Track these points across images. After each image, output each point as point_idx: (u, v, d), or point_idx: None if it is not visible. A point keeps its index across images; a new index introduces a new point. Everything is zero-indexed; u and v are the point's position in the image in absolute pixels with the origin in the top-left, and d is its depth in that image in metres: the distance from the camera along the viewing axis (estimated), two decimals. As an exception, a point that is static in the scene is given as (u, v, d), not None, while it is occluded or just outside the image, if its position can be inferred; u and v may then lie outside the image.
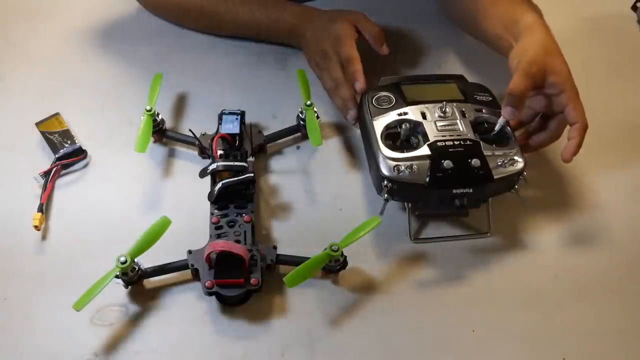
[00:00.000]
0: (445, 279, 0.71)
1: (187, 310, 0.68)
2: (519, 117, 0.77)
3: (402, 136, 0.73)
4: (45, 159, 0.79)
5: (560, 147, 0.73)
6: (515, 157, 0.71)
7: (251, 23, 0.90)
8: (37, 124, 0.81)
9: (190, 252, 0.69)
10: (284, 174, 0.80)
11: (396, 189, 0.69)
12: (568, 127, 0.74)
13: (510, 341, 0.67)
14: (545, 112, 0.76)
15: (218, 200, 0.72)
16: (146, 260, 0.68)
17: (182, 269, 0.69)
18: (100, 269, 0.65)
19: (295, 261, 0.68)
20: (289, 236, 0.74)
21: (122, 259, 0.64)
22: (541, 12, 0.81)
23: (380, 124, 0.74)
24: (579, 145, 0.71)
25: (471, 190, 0.69)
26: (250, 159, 0.75)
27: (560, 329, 0.68)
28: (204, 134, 0.79)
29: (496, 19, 0.81)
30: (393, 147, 0.72)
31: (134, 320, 0.67)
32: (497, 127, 0.73)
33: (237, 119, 0.79)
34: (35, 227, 0.72)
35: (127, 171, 0.79)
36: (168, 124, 0.82)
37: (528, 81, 0.71)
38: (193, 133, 0.77)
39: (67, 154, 0.78)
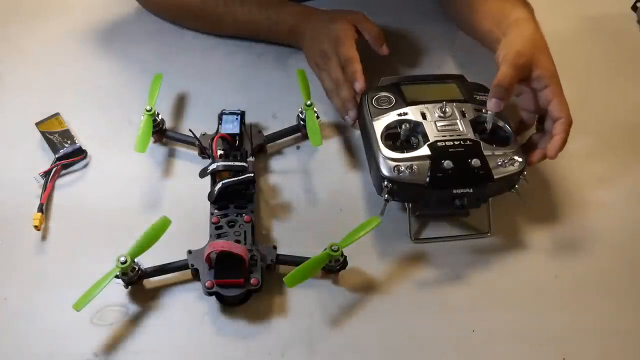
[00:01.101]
0: (445, 279, 0.71)
1: (187, 310, 0.68)
2: (525, 121, 0.77)
3: (402, 136, 0.73)
4: (45, 159, 0.79)
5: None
6: (516, 157, 0.71)
7: (251, 23, 0.90)
8: (37, 124, 0.81)
9: (190, 252, 0.69)
10: (284, 174, 0.80)
11: (396, 189, 0.69)
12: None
13: (510, 341, 0.67)
14: (535, 110, 0.75)
15: (218, 200, 0.72)
16: (146, 260, 0.68)
17: (182, 269, 0.69)
18: (100, 269, 0.65)
19: (295, 261, 0.68)
20: (289, 236, 0.74)
21: (122, 259, 0.64)
22: (532, 9, 0.81)
23: (380, 124, 0.74)
24: (564, 141, 0.71)
25: (471, 190, 0.69)
26: (250, 159, 0.75)
27: (560, 329, 0.68)
28: (204, 134, 0.79)
29: (487, 15, 0.81)
30: (393, 148, 0.72)
31: (134, 320, 0.67)
32: (488, 124, 0.73)
33: (237, 119, 0.79)
34: (35, 227, 0.72)
35: (127, 171, 0.79)
36: (168, 124, 0.82)
37: (515, 73, 0.71)
38: (193, 133, 0.77)
39: (67, 154, 0.78)
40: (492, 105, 0.71)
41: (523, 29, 0.75)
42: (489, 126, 0.73)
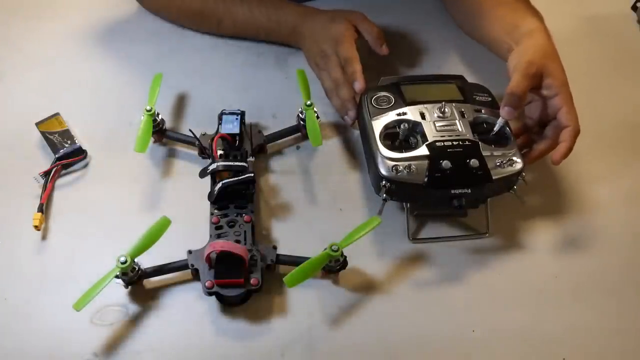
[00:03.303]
0: (444, 279, 0.71)
1: (187, 310, 0.68)
2: (520, 123, 0.77)
3: (401, 136, 0.73)
4: (45, 159, 0.79)
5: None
6: (514, 158, 0.71)
7: (251, 24, 0.90)
8: (37, 124, 0.81)
9: (190, 252, 0.69)
10: (284, 174, 0.80)
11: (394, 189, 0.69)
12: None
13: (510, 341, 0.67)
14: (541, 118, 0.76)
15: (218, 200, 0.72)
16: (146, 260, 0.68)
17: (182, 269, 0.69)
18: (100, 269, 0.65)
19: (295, 261, 0.68)
20: (289, 236, 0.74)
21: (122, 259, 0.64)
22: (542, 17, 0.81)
23: (379, 124, 0.74)
24: (570, 149, 0.72)
25: (469, 191, 0.69)
26: (250, 159, 0.75)
27: (560, 329, 0.68)
28: (204, 134, 0.79)
29: (497, 23, 0.82)
30: (392, 147, 0.72)
31: (134, 320, 0.67)
32: (496, 128, 0.73)
33: (237, 119, 0.79)
34: (35, 227, 0.72)
35: (127, 171, 0.79)
36: (168, 124, 0.82)
37: (527, 81, 0.72)
38: (193, 133, 0.77)
39: (67, 154, 0.78)
40: (505, 113, 0.72)
41: (535, 39, 0.76)
42: (496, 129, 0.73)
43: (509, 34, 0.79)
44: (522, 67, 0.72)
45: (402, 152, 0.71)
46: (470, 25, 0.89)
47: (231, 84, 0.89)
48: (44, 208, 0.74)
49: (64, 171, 0.78)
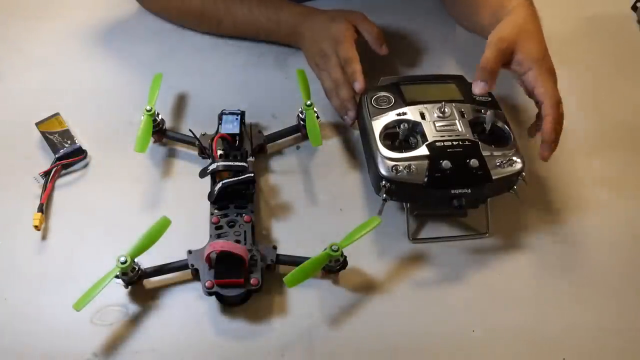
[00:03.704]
0: (444, 279, 0.71)
1: (187, 310, 0.68)
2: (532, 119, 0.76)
3: (401, 136, 0.73)
4: (45, 159, 0.79)
5: (559, 148, 0.73)
6: (514, 158, 0.71)
7: (251, 24, 0.90)
8: (37, 124, 0.81)
9: (190, 252, 0.69)
10: (284, 174, 0.80)
11: (394, 189, 0.69)
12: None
13: (510, 341, 0.67)
14: (529, 96, 0.74)
15: (218, 200, 0.72)
16: (146, 260, 0.68)
17: (182, 269, 0.69)
18: (100, 269, 0.65)
19: (295, 261, 0.68)
20: (289, 236, 0.74)
21: (122, 259, 0.64)
22: None
23: (379, 124, 0.74)
24: (555, 121, 0.69)
25: (469, 191, 0.69)
26: (250, 159, 0.75)
27: (560, 329, 0.68)
28: (204, 134, 0.79)
29: (487, 9, 0.81)
30: (392, 147, 0.72)
31: (134, 320, 0.67)
32: (487, 125, 0.73)
33: (237, 119, 0.79)
34: (35, 227, 0.72)
35: (127, 171, 0.79)
36: (168, 124, 0.82)
37: (497, 57, 0.71)
38: (193, 133, 0.77)
39: (67, 154, 0.78)
40: (478, 87, 0.71)
41: (515, 15, 0.75)
42: (487, 126, 0.73)
43: (496, 15, 0.78)
44: (493, 42, 0.72)
45: (402, 152, 0.71)
46: (468, 20, 0.89)
47: (231, 84, 0.89)
48: (44, 208, 0.74)
49: (64, 171, 0.78)
